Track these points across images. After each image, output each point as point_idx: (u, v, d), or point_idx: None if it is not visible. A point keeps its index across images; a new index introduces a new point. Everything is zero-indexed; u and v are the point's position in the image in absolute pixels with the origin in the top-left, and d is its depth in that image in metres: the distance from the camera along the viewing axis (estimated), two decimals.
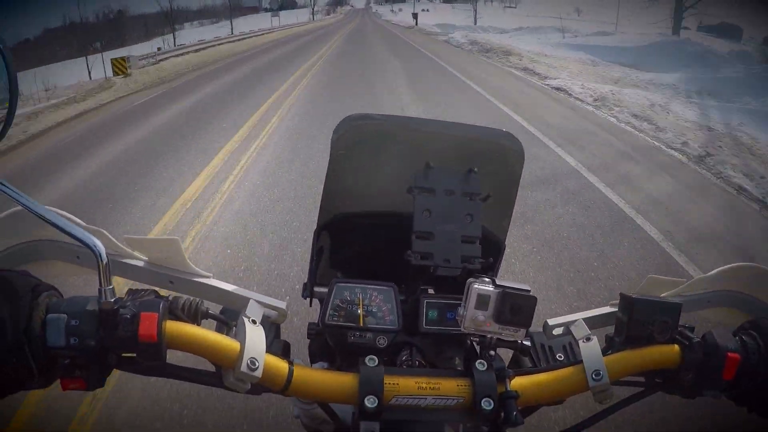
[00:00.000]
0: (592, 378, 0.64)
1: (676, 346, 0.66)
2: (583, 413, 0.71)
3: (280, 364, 0.61)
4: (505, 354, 0.74)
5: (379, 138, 0.82)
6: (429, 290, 0.73)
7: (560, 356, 0.72)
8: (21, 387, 0.54)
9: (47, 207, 0.60)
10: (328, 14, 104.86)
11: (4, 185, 0.58)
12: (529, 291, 0.61)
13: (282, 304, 0.69)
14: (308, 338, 0.71)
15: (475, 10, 51.47)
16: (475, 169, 0.72)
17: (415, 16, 51.49)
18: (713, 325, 0.69)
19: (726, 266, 0.79)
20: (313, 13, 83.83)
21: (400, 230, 0.71)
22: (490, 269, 0.74)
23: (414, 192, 0.71)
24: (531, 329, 0.73)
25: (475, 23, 44.79)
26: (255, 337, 0.60)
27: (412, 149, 0.80)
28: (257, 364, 0.58)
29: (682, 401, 0.69)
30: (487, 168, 0.76)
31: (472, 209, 0.71)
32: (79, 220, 0.64)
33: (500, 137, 0.83)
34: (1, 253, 0.69)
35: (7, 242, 0.69)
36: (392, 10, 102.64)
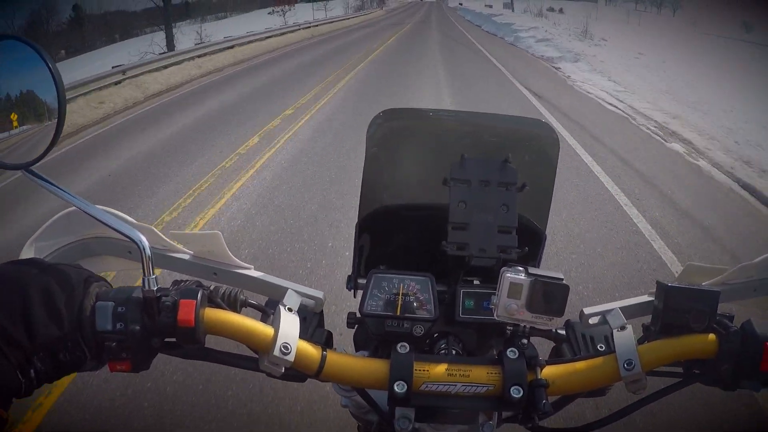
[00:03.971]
0: (624, 367, 0.63)
1: (713, 336, 0.64)
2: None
3: (313, 350, 0.63)
4: (548, 345, 0.74)
5: (413, 132, 0.83)
6: (474, 281, 0.74)
7: (601, 346, 0.71)
8: (75, 369, 0.59)
9: (98, 206, 0.65)
10: (361, 9, 57.92)
11: (58, 187, 0.63)
12: (561, 279, 0.61)
13: (319, 294, 0.72)
14: (348, 327, 0.73)
15: None
16: (510, 159, 0.72)
17: None
18: (762, 315, 0.66)
19: None
20: None
21: (438, 222, 0.72)
22: (530, 258, 0.74)
23: (449, 183, 0.72)
24: (572, 319, 0.74)
25: None
26: (289, 324, 0.63)
27: (447, 141, 0.81)
28: (290, 348, 0.61)
29: (724, 393, 0.67)
30: (523, 158, 0.76)
31: (507, 199, 0.72)
32: (128, 218, 0.69)
33: (534, 126, 0.82)
34: (58, 250, 0.74)
35: (63, 240, 0.75)
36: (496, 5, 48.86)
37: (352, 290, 0.79)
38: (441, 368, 0.63)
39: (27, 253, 0.71)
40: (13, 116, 0.66)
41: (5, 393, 0.53)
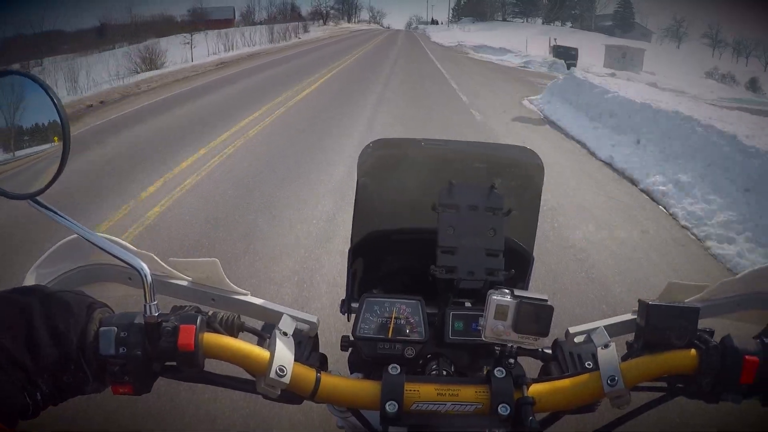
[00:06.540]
0: (608, 384, 0.65)
1: (693, 351, 0.66)
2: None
3: (308, 372, 0.66)
4: (537, 364, 0.76)
5: (402, 160, 0.86)
6: (466, 303, 0.76)
7: (589, 364, 0.73)
8: (78, 392, 0.61)
9: (100, 234, 0.67)
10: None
11: (62, 216, 0.65)
12: (546, 300, 0.64)
13: (313, 318, 0.74)
14: (342, 350, 0.75)
15: None
16: (496, 185, 0.75)
17: None
18: (746, 329, 0.68)
19: (755, 268, 0.77)
20: None
21: (428, 246, 0.74)
22: (518, 280, 0.76)
23: (438, 209, 0.74)
24: (560, 338, 0.76)
25: None
26: (285, 347, 0.65)
27: (436, 168, 0.84)
28: (286, 371, 0.63)
29: (708, 406, 0.69)
30: (509, 183, 0.79)
31: (494, 223, 0.74)
32: (129, 245, 0.71)
33: (519, 153, 0.85)
34: (60, 276, 0.76)
35: (66, 266, 0.77)
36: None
37: (346, 314, 0.81)
38: (431, 388, 0.65)
39: (30, 279, 0.73)
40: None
41: (12, 412, 0.54)
